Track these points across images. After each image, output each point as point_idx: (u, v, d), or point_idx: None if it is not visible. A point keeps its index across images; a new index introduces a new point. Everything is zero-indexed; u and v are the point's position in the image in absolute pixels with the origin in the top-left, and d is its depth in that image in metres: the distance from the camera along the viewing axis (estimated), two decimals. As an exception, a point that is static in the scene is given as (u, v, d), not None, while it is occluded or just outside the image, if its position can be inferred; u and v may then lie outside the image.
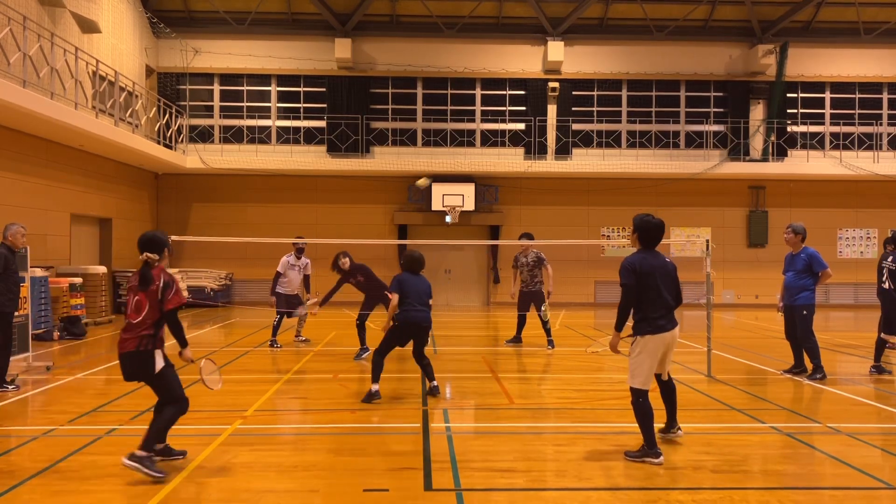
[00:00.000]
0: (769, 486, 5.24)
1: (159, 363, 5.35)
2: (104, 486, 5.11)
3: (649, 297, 5.81)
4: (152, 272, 5.35)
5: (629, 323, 5.95)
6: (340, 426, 7.01)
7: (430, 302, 8.29)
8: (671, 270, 5.97)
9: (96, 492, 5.01)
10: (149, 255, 5.34)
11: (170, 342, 5.49)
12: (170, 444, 5.67)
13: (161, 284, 5.31)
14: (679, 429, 6.41)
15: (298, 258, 12.54)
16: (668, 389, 6.30)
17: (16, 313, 8.83)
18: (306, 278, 12.68)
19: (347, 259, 11.21)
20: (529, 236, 12.44)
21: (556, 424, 7.09)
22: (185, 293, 5.32)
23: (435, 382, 8.34)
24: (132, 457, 5.18)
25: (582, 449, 6.12)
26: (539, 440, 6.49)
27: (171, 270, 5.68)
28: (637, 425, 5.85)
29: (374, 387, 7.96)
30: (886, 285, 9.70)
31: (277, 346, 12.39)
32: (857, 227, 23.73)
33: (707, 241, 10.25)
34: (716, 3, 22.93)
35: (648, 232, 5.93)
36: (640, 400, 5.84)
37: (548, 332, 12.36)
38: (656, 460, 5.69)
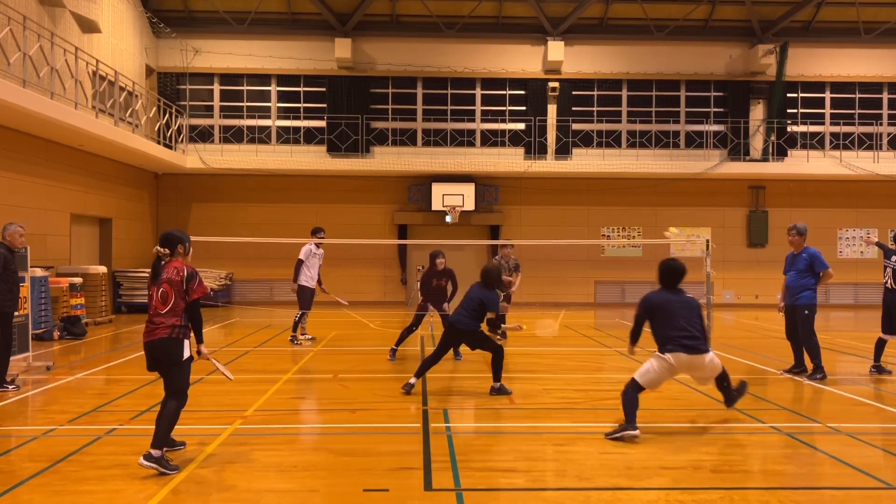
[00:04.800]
0: (769, 486, 5.24)
1: (186, 352, 5.58)
2: (104, 486, 5.11)
3: (670, 324, 6.59)
4: (171, 265, 5.62)
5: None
6: (340, 426, 7.01)
7: (491, 315, 8.49)
8: (694, 306, 6.74)
9: (96, 492, 5.00)
10: (159, 248, 5.67)
11: None
12: (171, 435, 5.72)
13: (185, 275, 5.57)
14: (738, 387, 7.30)
15: (318, 247, 12.85)
16: (719, 384, 7.12)
17: (16, 313, 8.83)
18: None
19: (443, 259, 11.23)
20: (510, 244, 13.27)
21: (556, 424, 7.08)
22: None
23: (497, 384, 8.39)
24: (148, 457, 5.30)
25: (582, 449, 6.13)
26: (539, 440, 6.49)
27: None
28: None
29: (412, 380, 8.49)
30: (889, 284, 9.70)
31: (298, 343, 12.59)
32: (857, 227, 23.72)
33: (707, 241, 10.28)
34: (716, 3, 22.92)
35: (667, 274, 6.82)
36: (630, 391, 6.54)
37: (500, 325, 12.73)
38: (634, 432, 6.31)
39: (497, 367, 8.41)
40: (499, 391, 8.34)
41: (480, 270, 8.72)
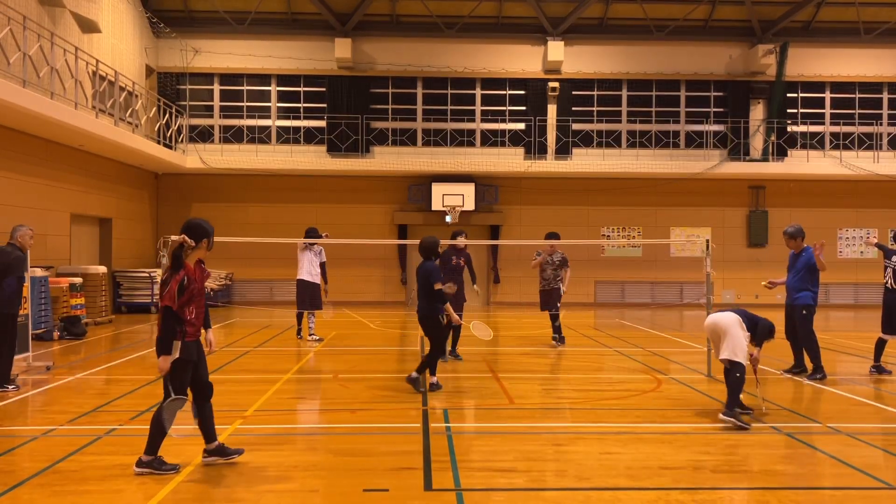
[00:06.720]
0: (769, 486, 5.24)
1: (175, 354, 5.32)
2: (104, 486, 5.11)
3: None
4: (183, 262, 5.34)
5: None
6: (340, 426, 7.02)
7: (437, 287, 8.38)
8: None
9: (96, 492, 5.00)
10: (186, 239, 5.36)
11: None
12: (225, 444, 5.66)
13: (161, 280, 5.41)
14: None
15: (311, 246, 12.78)
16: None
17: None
18: (322, 266, 12.88)
19: (464, 237, 11.29)
20: (556, 236, 12.76)
21: (556, 424, 7.09)
22: (175, 297, 5.31)
23: (415, 374, 8.40)
24: (139, 463, 5.30)
25: (582, 449, 6.13)
26: (539, 440, 6.49)
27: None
28: None
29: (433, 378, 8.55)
30: (889, 284, 9.70)
31: (301, 338, 12.65)
32: (857, 227, 23.72)
33: (707, 241, 10.26)
34: (716, 3, 22.91)
35: None
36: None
37: (559, 328, 12.67)
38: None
39: (427, 362, 8.39)
40: (413, 381, 8.32)
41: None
